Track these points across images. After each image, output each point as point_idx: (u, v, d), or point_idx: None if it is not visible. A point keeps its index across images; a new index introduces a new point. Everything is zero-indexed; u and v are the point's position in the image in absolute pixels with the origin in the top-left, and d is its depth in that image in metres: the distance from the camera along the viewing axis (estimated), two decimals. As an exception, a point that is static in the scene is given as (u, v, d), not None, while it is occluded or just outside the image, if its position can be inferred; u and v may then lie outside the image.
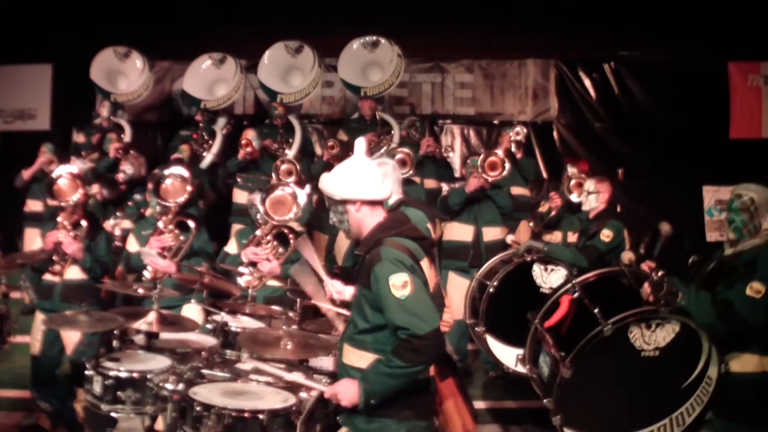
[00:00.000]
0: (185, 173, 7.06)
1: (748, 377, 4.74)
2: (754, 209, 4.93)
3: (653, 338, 4.62)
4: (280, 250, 6.92)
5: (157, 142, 12.01)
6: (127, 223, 8.66)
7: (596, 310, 4.73)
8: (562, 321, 5.10)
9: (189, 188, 7.00)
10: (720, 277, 4.88)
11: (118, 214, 8.59)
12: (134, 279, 7.35)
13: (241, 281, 6.78)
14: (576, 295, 5.18)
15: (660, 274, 4.60)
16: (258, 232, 6.96)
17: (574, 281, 5.25)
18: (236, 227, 9.54)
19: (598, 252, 6.82)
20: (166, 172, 7.08)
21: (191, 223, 6.94)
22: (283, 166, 8.66)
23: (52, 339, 6.77)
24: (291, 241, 6.90)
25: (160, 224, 6.93)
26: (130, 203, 8.83)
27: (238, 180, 9.65)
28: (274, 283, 6.87)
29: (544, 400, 4.98)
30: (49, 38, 11.43)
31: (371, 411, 3.91)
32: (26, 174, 9.70)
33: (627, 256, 4.94)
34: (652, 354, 4.64)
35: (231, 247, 7.25)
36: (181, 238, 6.90)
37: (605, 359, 4.69)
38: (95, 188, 8.89)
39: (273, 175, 8.62)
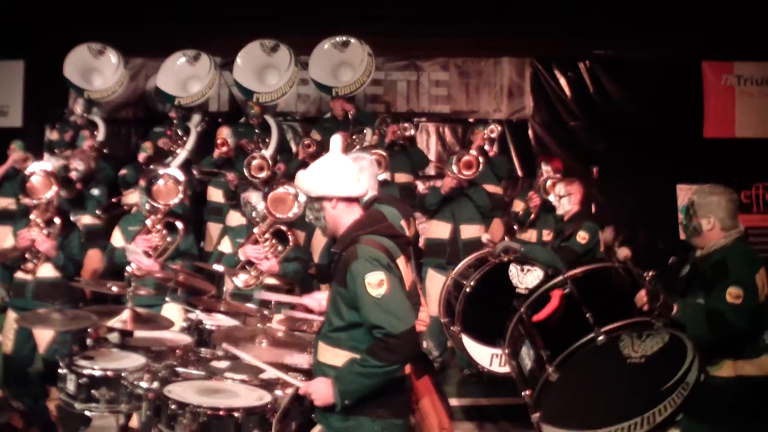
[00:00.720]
0: (180, 175, 7.04)
1: (722, 381, 4.78)
2: (693, 211, 4.97)
3: (642, 347, 4.57)
4: (279, 248, 6.89)
5: (131, 139, 11.89)
6: (87, 219, 8.64)
7: (588, 315, 4.69)
8: (551, 316, 5.06)
9: (182, 190, 6.97)
10: (694, 280, 4.91)
11: (98, 212, 8.60)
12: (104, 273, 7.34)
13: (238, 281, 6.75)
14: (567, 290, 5.13)
15: (651, 274, 4.57)
16: (255, 230, 6.93)
17: (565, 275, 5.19)
18: (211, 225, 9.54)
19: (574, 253, 6.85)
20: (161, 171, 7.04)
21: (179, 225, 6.91)
22: (255, 162, 8.54)
23: (24, 337, 6.75)
24: (290, 239, 6.90)
25: (148, 223, 6.89)
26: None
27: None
28: (271, 281, 6.85)
29: (523, 393, 4.95)
30: (21, 34, 11.32)
31: (346, 409, 3.89)
32: None
33: (623, 252, 4.90)
34: (638, 361, 4.63)
35: (225, 246, 7.24)
36: (168, 239, 6.86)
37: (590, 362, 4.67)
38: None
39: (245, 171, 8.55)
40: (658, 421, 4.76)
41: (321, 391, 3.91)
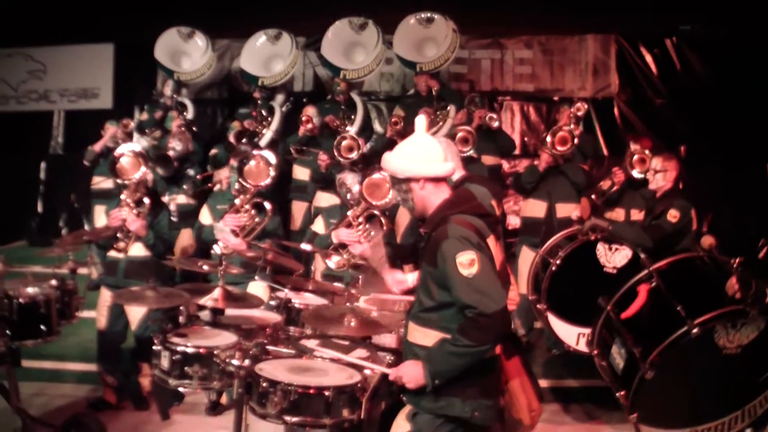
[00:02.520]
0: (272, 158, 7.09)
1: None
2: None
3: (737, 337, 4.44)
4: (372, 233, 6.85)
5: (217, 120, 12.11)
6: (182, 198, 8.82)
7: (680, 308, 4.58)
8: (640, 311, 4.95)
9: (272, 173, 7.03)
10: None
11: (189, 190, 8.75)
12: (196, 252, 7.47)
13: (331, 263, 6.78)
14: (654, 284, 5.02)
15: (738, 261, 4.44)
16: (349, 213, 6.92)
17: (651, 268, 5.08)
18: (295, 204, 9.62)
19: (664, 232, 6.72)
20: (255, 152, 7.11)
21: (267, 205, 6.98)
22: (345, 142, 8.56)
23: (117, 314, 6.92)
24: (384, 224, 6.87)
25: (237, 202, 6.98)
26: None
27: (294, 153, 9.67)
28: (363, 262, 6.84)
29: (617, 393, 4.88)
30: (110, 18, 11.55)
31: (436, 390, 3.90)
32: (97, 146, 9.81)
33: (708, 241, 4.73)
34: (734, 352, 4.51)
35: (318, 227, 7.27)
36: (256, 219, 6.94)
37: (685, 356, 4.57)
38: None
39: (335, 151, 8.59)
40: (760, 413, 4.64)
41: (411, 374, 3.93)
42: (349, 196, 6.97)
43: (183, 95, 10.90)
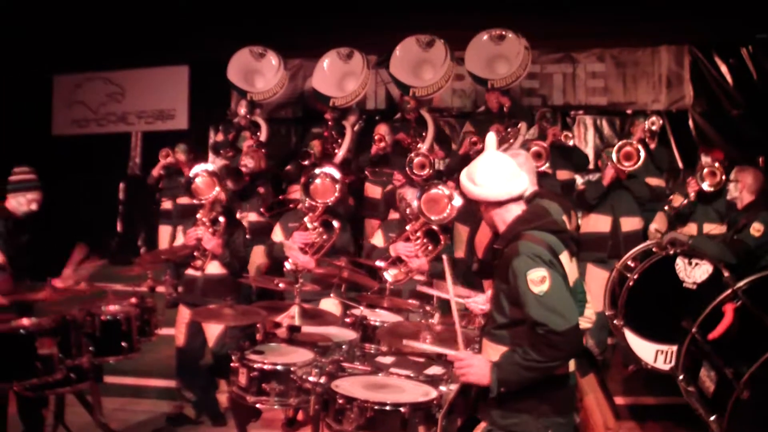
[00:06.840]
0: (337, 174, 7.14)
1: None
2: None
3: None
4: (429, 247, 6.88)
5: (291, 139, 12.26)
6: (252, 216, 8.91)
7: None
8: (727, 331, 4.86)
9: (338, 188, 7.08)
10: None
11: (262, 210, 8.88)
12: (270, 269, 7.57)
13: (389, 276, 6.82)
14: (740, 303, 4.92)
15: None
16: (408, 228, 6.94)
17: (735, 287, 4.98)
18: (369, 222, 9.66)
19: (746, 247, 6.57)
20: (318, 171, 7.18)
21: (336, 223, 7.03)
22: (417, 159, 8.61)
23: (194, 331, 7.02)
24: (441, 238, 6.86)
25: (306, 220, 7.05)
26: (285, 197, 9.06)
27: (367, 174, 9.75)
28: (420, 277, 6.88)
29: (710, 419, 4.78)
30: (184, 40, 11.79)
31: (508, 405, 3.87)
32: (155, 170, 10.15)
33: None
34: None
35: (377, 240, 7.31)
36: (325, 236, 7.00)
37: None
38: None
39: (407, 168, 8.62)
40: None
41: (477, 367, 3.87)
42: (408, 210, 6.98)
43: (257, 115, 11.01)
